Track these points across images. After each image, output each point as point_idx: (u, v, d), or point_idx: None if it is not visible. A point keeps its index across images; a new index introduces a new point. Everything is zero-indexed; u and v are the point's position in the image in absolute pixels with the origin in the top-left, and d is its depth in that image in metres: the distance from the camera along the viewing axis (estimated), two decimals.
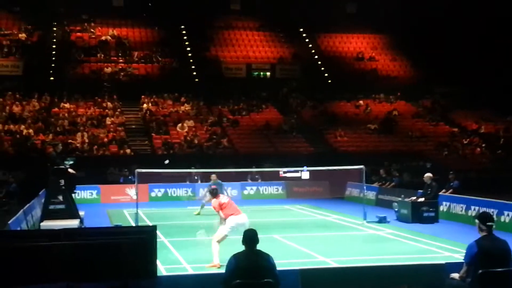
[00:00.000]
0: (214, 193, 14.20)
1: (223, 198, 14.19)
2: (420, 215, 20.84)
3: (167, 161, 29.86)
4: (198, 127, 36.98)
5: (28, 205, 18.89)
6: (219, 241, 13.59)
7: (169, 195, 29.91)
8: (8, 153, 32.16)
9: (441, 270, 9.87)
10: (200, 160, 31.02)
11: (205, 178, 30.49)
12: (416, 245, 16.37)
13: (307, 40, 48.79)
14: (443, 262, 10.35)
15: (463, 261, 8.92)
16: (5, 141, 33.12)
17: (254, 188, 30.97)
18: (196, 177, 30.87)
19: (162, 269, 12.63)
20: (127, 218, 22.73)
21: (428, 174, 21.81)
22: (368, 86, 43.70)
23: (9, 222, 14.61)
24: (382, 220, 20.81)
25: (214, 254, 13.44)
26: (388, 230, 19.17)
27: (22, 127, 34.67)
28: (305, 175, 27.21)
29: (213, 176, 24.29)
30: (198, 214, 23.65)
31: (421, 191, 21.93)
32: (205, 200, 23.37)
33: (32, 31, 44.05)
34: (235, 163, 29.26)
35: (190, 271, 12.98)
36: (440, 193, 22.50)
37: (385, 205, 25.21)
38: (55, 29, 45.54)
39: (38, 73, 40.38)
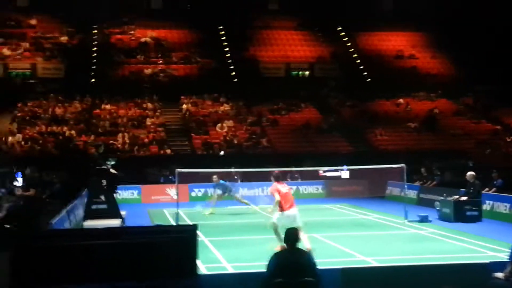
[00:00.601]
0: (276, 178, 14.85)
1: (283, 188, 14.68)
2: (463, 214, 20.56)
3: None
4: (238, 127, 37.06)
5: (71, 205, 19.16)
6: (275, 229, 14.41)
7: (209, 195, 29.96)
8: (51, 154, 32.69)
9: (484, 270, 9.73)
10: (239, 160, 31.04)
11: (246, 177, 30.59)
12: (459, 245, 16.15)
13: (345, 38, 48.51)
14: (487, 261, 10.19)
15: (507, 260, 8.77)
16: (49, 142, 33.68)
17: (294, 187, 30.86)
18: (236, 177, 30.92)
19: (203, 268, 12.66)
20: (168, 217, 22.90)
21: (471, 173, 21.50)
22: (408, 84, 43.21)
23: (53, 221, 14.84)
24: (423, 219, 20.57)
25: (278, 239, 14.05)
26: (430, 229, 18.95)
27: (65, 128, 35.22)
28: (345, 174, 27.10)
29: (215, 178, 24.70)
30: (211, 213, 24.07)
31: (463, 189, 21.63)
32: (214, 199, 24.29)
33: (74, 34, 44.75)
34: (275, 163, 29.21)
35: (231, 270, 12.99)
36: (483, 191, 22.14)
37: (426, 204, 24.90)
38: (95, 31, 46.16)
39: (79, 75, 40.98)
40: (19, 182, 24.04)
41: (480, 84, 43.27)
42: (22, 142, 33.38)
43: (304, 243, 13.53)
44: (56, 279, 8.77)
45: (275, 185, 14.65)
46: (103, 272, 8.76)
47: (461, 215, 20.53)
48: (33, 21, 45.36)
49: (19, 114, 36.98)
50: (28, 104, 38.16)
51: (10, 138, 33.63)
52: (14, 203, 17.76)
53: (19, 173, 24.92)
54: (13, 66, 41.17)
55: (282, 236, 13.45)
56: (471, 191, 21.04)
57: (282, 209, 14.36)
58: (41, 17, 46.12)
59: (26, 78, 41.12)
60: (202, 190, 29.95)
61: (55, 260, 8.75)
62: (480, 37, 44.64)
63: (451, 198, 21.43)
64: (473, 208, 20.76)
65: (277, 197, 14.40)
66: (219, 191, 25.13)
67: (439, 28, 46.73)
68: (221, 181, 24.78)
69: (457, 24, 45.37)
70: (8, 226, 16.47)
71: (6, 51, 41.68)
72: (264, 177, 25.70)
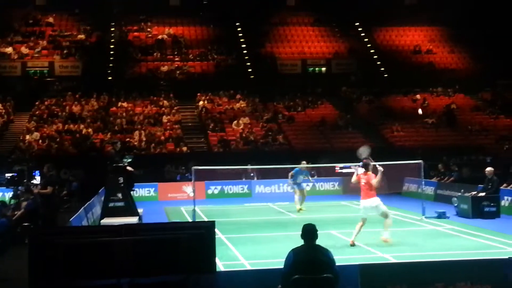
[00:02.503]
0: (365, 167, 15.57)
1: (363, 178, 15.43)
2: (481, 210, 20.42)
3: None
4: (254, 124, 37.05)
5: (88, 203, 19.26)
6: (362, 222, 15.44)
7: (226, 192, 30.03)
8: (68, 152, 32.88)
9: (504, 266, 9.64)
10: (256, 157, 31.05)
11: (261, 174, 30.59)
12: (477, 241, 16.04)
13: (362, 34, 48.33)
14: (506, 257, 10.10)
15: None
16: (66, 140, 33.86)
17: (310, 184, 30.82)
18: (252, 174, 30.94)
19: (220, 265, 12.69)
20: (184, 215, 22.94)
21: (490, 168, 21.35)
22: (425, 79, 42.99)
23: (70, 219, 14.92)
24: (441, 216, 20.44)
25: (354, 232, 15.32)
26: (448, 225, 18.83)
27: (82, 126, 35.40)
28: (362, 170, 26.87)
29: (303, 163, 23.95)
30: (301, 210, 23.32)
31: (481, 185, 21.47)
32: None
33: (91, 32, 44.98)
34: (291, 160, 29.18)
35: (248, 267, 13.00)
36: (502, 187, 21.97)
37: (444, 201, 24.75)
38: (112, 29, 46.36)
39: (96, 73, 41.23)
40: (37, 180, 24.23)
41: (498, 79, 42.95)
42: (40, 140, 33.61)
43: (384, 232, 15.20)
44: (74, 275, 8.82)
45: (360, 174, 15.58)
46: (122, 268, 8.78)
47: (479, 211, 20.39)
48: (51, 19, 45.65)
49: (36, 112, 37.25)
50: (46, 102, 38.45)
51: (27, 136, 33.89)
52: (32, 201, 17.89)
53: (37, 172, 25.11)
54: (31, 64, 41.48)
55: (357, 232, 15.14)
56: (489, 187, 20.89)
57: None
58: (59, 15, 46.42)
59: (44, 76, 41.39)
60: (219, 187, 29.98)
61: (73, 256, 8.78)
62: (498, 31, 44.28)
63: (469, 194, 21.29)
64: (491, 204, 20.61)
65: (353, 179, 15.79)
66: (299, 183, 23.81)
67: (457, 22, 46.41)
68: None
69: (475, 18, 45.02)
70: (26, 224, 16.64)
71: (24, 50, 41.98)
72: (281, 174, 25.67)
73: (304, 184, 24.09)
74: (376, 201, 15.38)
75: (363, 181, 15.43)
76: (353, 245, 15.18)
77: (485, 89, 43.00)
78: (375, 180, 15.41)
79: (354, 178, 15.80)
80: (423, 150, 31.62)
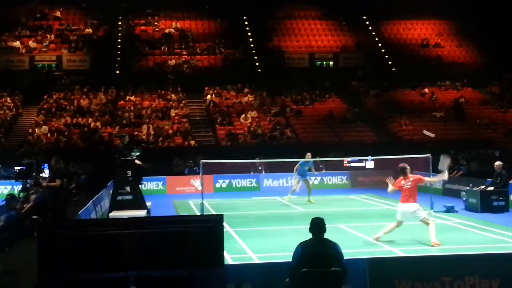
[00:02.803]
0: (402, 171, 14.99)
1: (404, 183, 14.81)
2: (490, 204, 20.36)
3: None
4: (262, 117, 37.03)
5: (96, 196, 19.32)
6: (396, 225, 15.02)
7: (234, 186, 30.04)
8: (76, 145, 32.96)
9: None
10: (263, 151, 31.05)
11: (269, 168, 30.56)
12: (486, 235, 15.99)
13: (370, 28, 48.20)
14: None
15: None
16: (74, 134, 33.95)
17: (319, 178, 30.79)
18: (260, 168, 30.93)
19: (229, 259, 12.70)
20: (193, 208, 22.96)
21: (499, 162, 21.27)
22: (434, 73, 42.86)
23: (79, 212, 14.96)
24: (449, 210, 20.38)
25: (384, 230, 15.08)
26: (456, 219, 18.79)
27: (90, 120, 35.47)
28: (370, 164, 26.95)
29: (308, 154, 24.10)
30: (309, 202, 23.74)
31: (490, 180, 21.40)
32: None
33: (98, 26, 45.04)
34: (299, 153, 29.13)
35: (256, 261, 13.01)
36: (511, 181, 21.88)
37: (452, 195, 24.67)
38: (120, 23, 46.41)
39: (104, 67, 41.30)
40: (45, 173, 24.31)
41: (507, 73, 42.74)
42: (48, 134, 33.71)
43: (431, 236, 14.44)
44: (82, 267, 8.84)
45: (400, 180, 14.94)
46: (130, 262, 8.79)
47: (488, 205, 20.34)
48: (58, 13, 45.73)
49: (45, 106, 37.36)
50: (54, 96, 38.54)
51: (36, 130, 33.98)
52: (41, 194, 17.95)
53: (46, 165, 25.19)
54: (39, 58, 41.59)
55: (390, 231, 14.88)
56: (498, 181, 20.83)
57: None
58: (66, 9, 46.50)
59: (52, 70, 41.49)
60: (227, 181, 29.99)
61: (81, 249, 8.80)
62: (507, 25, 44.04)
63: (478, 188, 21.22)
64: (500, 198, 20.55)
65: (390, 188, 15.07)
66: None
67: (465, 16, 46.22)
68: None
69: (483, 12, 44.80)
70: (35, 217, 16.70)
71: (32, 44, 42.08)
72: (288, 168, 25.64)
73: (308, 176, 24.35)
74: (414, 207, 14.75)
75: (407, 185, 14.77)
76: (377, 239, 15.02)
77: (494, 83, 42.83)
78: (428, 178, 15.69)
79: (391, 188, 15.08)
80: (432, 144, 31.52)
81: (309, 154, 24.08)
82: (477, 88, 42.43)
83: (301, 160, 24.01)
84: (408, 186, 14.72)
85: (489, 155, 31.91)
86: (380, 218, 19.83)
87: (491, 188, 20.79)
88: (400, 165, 15.36)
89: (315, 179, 29.53)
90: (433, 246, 14.29)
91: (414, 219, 14.87)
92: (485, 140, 35.38)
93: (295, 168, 23.92)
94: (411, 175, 14.95)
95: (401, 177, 14.91)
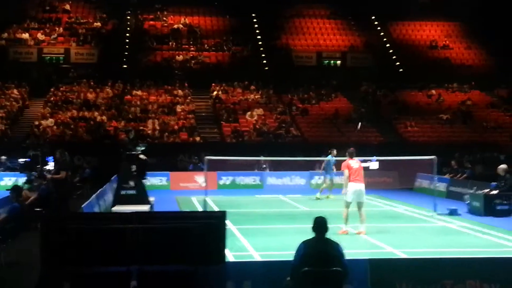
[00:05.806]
0: (350, 154, 16.21)
1: (355, 164, 15.99)
2: (493, 208, 20.28)
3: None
4: (267, 115, 37.03)
5: (100, 190, 19.33)
6: (346, 207, 16.00)
7: (237, 183, 30.06)
8: (82, 139, 33.03)
9: None
10: (268, 149, 31.04)
11: (274, 166, 30.54)
12: (489, 239, 15.95)
13: (379, 28, 48.13)
14: None
15: None
16: (80, 127, 34.02)
17: (323, 177, 30.73)
18: (264, 166, 30.92)
19: (230, 256, 12.71)
20: (196, 205, 22.99)
21: (503, 166, 21.20)
22: (441, 75, 42.75)
23: (82, 206, 15.00)
24: (453, 213, 20.32)
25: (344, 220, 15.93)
26: (459, 222, 18.74)
27: (96, 113, 35.53)
28: (374, 165, 26.83)
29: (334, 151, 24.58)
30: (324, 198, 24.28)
31: (494, 183, 21.34)
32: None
33: (107, 20, 45.09)
34: (304, 152, 29.14)
35: (258, 258, 13.02)
36: None
37: (456, 198, 24.59)
38: (128, 17, 46.46)
39: (112, 61, 41.35)
40: (50, 166, 24.36)
41: None
42: (54, 127, 33.78)
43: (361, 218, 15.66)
44: (84, 261, 8.87)
45: (347, 161, 15.98)
46: (132, 256, 8.82)
47: (492, 209, 20.26)
48: (67, 6, 45.81)
49: (51, 99, 37.45)
50: (61, 88, 38.62)
51: (42, 122, 34.05)
52: (45, 187, 17.99)
53: (51, 157, 25.25)
54: (47, 50, 41.66)
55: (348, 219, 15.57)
56: (503, 184, 20.77)
57: (351, 181, 15.78)
58: (75, 2, 46.58)
59: (60, 63, 41.57)
60: (231, 178, 30.00)
61: (84, 242, 8.84)
62: None
63: (482, 191, 21.16)
64: (504, 202, 20.46)
65: (346, 173, 15.84)
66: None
67: (475, 18, 46.08)
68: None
69: (493, 14, 44.66)
70: (39, 209, 16.74)
71: (40, 36, 42.17)
72: (294, 166, 25.64)
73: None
74: (363, 186, 16.10)
75: (356, 165, 16.05)
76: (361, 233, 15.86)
77: (501, 86, 42.70)
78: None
79: (346, 176, 16.13)
80: (437, 146, 31.48)
81: (334, 150, 24.33)
82: (484, 91, 42.32)
83: (328, 157, 24.64)
84: (357, 166, 15.88)
85: (494, 158, 31.82)
86: (383, 219, 19.82)
87: (495, 192, 20.74)
88: (350, 148, 16.68)
89: (319, 178, 29.46)
90: (358, 234, 15.61)
91: (362, 198, 16.02)
92: (491, 143, 35.29)
93: (322, 167, 24.34)
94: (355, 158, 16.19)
95: (348, 158, 16.12)
